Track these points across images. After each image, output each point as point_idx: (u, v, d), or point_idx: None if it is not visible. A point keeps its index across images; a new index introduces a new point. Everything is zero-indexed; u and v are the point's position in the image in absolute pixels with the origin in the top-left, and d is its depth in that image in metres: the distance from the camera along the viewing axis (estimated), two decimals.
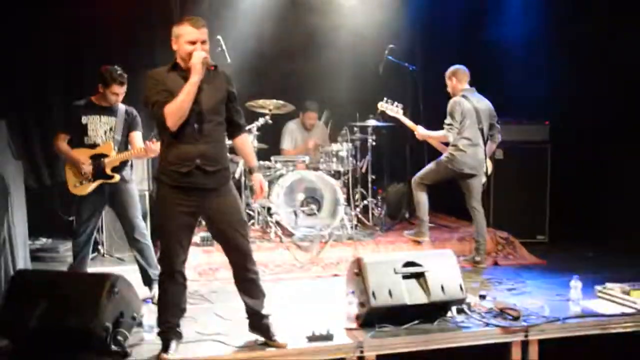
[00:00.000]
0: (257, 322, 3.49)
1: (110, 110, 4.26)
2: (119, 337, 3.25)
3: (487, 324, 3.70)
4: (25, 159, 4.66)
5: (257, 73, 6.53)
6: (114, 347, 3.22)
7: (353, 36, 6.74)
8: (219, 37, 5.79)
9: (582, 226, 6.45)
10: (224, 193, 3.35)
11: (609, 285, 4.23)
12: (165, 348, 3.32)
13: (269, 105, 5.99)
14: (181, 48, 3.20)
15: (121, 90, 4.19)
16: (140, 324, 3.58)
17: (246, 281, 3.45)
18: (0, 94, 4.66)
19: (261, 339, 3.49)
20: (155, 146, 4.01)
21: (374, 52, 6.39)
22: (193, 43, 3.18)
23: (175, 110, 3.13)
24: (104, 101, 4.24)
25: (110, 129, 4.25)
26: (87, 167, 4.13)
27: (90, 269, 5.09)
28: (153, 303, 4.23)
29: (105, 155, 4.20)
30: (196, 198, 3.27)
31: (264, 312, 3.48)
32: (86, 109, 4.22)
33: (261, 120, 5.85)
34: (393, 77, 6.36)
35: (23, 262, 4.51)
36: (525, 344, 3.66)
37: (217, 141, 3.33)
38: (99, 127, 4.22)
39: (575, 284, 4.07)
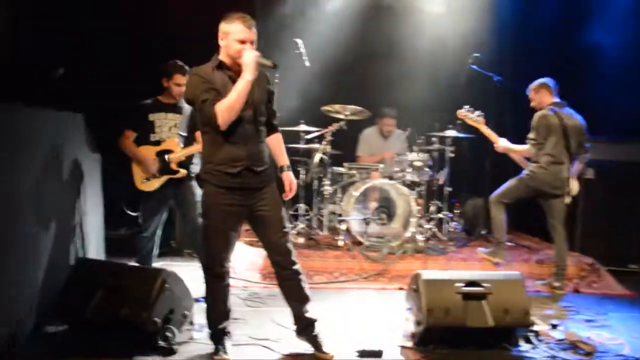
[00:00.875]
0: (303, 327, 3.41)
1: (175, 107, 4.34)
2: (168, 334, 3.27)
3: (554, 357, 3.40)
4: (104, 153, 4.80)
5: (335, 77, 6.47)
6: (161, 343, 3.24)
7: (436, 44, 6.53)
8: (298, 39, 5.78)
9: None
10: (268, 192, 3.32)
11: None
12: (218, 350, 3.29)
13: (345, 111, 5.89)
14: (230, 46, 3.15)
15: (184, 81, 4.22)
16: (191, 323, 3.58)
17: (288, 281, 3.39)
18: (83, 88, 4.86)
19: (310, 348, 3.40)
20: None
21: (457, 61, 6.15)
22: (243, 42, 3.13)
23: (228, 109, 3.07)
24: (170, 98, 4.32)
25: (175, 125, 4.31)
26: (154, 165, 4.21)
27: (160, 263, 5.23)
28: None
29: (170, 151, 4.26)
30: (242, 197, 3.24)
31: (308, 316, 3.40)
32: (153, 106, 4.32)
33: (336, 126, 5.76)
34: (476, 88, 6.08)
35: (95, 251, 4.67)
36: None
37: (262, 141, 3.32)
38: (164, 124, 4.29)
39: None
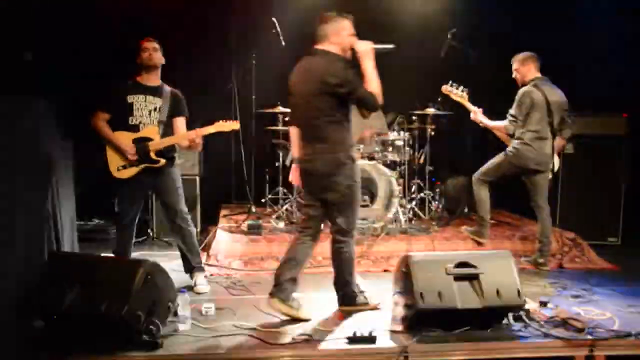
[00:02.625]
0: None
1: (155, 90, 4.14)
2: (151, 327, 3.12)
3: (547, 335, 3.35)
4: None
5: None
6: (144, 337, 3.10)
7: (415, 20, 6.43)
8: (274, 18, 5.63)
9: None
10: None
11: None
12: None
13: None
14: (345, 40, 3.62)
15: (150, 45, 4.07)
16: (175, 314, 3.44)
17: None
18: (54, 73, 4.63)
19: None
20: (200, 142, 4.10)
21: (436, 37, 6.03)
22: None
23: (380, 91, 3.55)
24: (149, 80, 4.13)
25: (155, 109, 4.11)
26: (132, 153, 4.01)
27: (138, 253, 5.09)
28: (196, 292, 4.13)
29: (149, 139, 4.06)
30: None
31: None
32: (131, 88, 4.10)
33: None
34: (456, 63, 5.98)
35: (70, 242, 4.48)
36: None
37: None
38: (144, 107, 4.09)
39: None
